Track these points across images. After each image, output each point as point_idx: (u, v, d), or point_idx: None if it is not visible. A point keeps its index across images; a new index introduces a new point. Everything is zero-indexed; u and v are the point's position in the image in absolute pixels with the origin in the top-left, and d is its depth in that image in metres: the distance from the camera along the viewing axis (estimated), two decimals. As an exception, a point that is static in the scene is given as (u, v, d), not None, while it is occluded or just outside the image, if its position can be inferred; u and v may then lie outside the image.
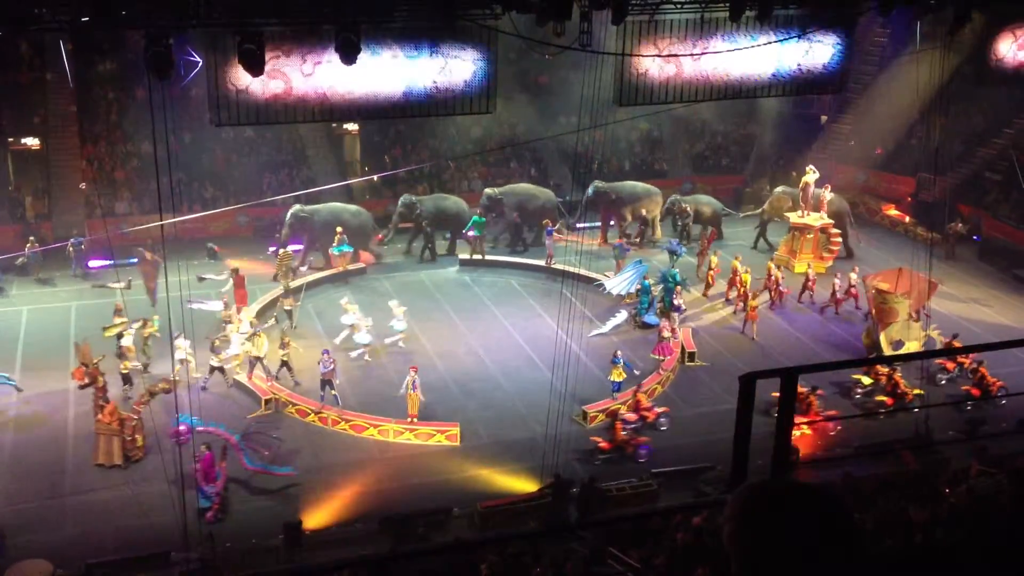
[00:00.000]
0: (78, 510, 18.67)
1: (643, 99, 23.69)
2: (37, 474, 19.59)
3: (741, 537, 2.43)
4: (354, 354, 24.29)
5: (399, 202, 31.02)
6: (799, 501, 2.44)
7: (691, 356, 24.87)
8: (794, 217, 31.62)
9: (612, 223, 32.91)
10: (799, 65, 24.44)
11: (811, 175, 31.23)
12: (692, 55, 23.17)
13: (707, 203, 33.43)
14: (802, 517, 2.41)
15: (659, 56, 22.88)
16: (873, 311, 24.80)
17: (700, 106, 32.41)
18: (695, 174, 38.73)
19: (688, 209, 32.93)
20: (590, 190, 32.10)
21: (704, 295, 28.58)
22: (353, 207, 30.42)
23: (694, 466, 20.13)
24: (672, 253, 29.13)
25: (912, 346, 23.87)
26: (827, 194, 31.21)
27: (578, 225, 30.98)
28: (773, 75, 24.48)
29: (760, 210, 33.43)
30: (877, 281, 25.14)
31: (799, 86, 25.78)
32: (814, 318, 27.53)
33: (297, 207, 29.16)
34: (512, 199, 31.59)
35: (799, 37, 23.79)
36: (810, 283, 28.12)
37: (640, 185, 33.37)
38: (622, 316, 26.46)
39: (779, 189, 33.35)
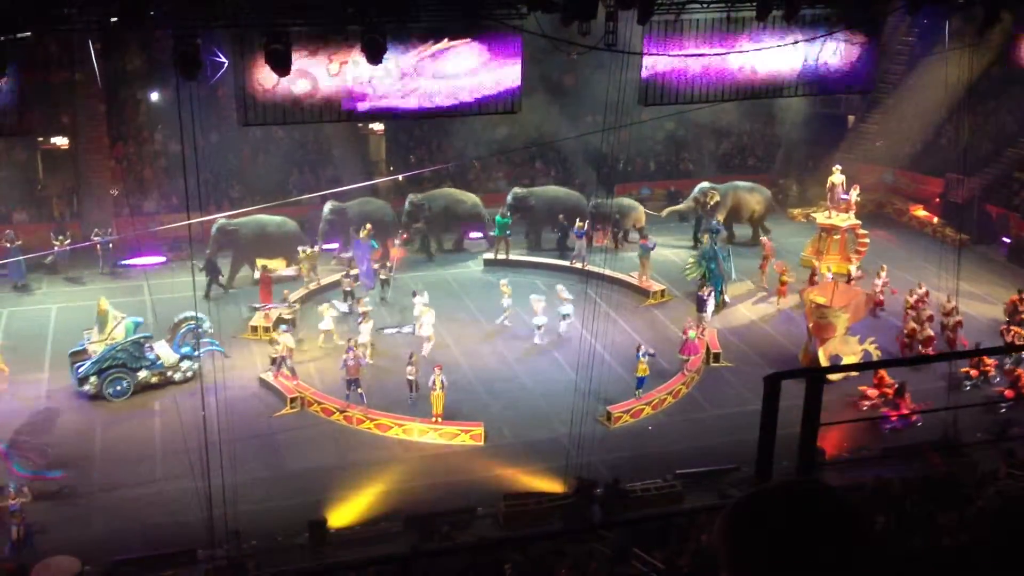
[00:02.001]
0: (105, 507, 18.85)
1: (668, 99, 23.61)
2: (65, 471, 19.73)
3: (730, 547, 2.36)
4: (537, 339, 24.93)
5: (326, 209, 30.08)
6: (796, 504, 2.36)
7: (716, 356, 24.79)
8: (821, 217, 31.49)
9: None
10: (826, 64, 24.29)
11: (837, 175, 31.09)
12: (718, 54, 23.07)
13: (631, 206, 33.07)
14: (801, 519, 2.33)
15: (685, 55, 22.80)
16: (811, 326, 24.00)
17: (726, 106, 32.25)
18: (721, 174, 38.52)
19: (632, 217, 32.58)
20: (509, 197, 31.89)
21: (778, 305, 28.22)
22: (279, 218, 29.43)
23: (718, 467, 20.06)
24: (712, 232, 29.26)
25: (849, 360, 23.18)
26: (854, 195, 31.02)
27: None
28: (800, 75, 24.35)
29: (682, 207, 33.24)
30: (814, 295, 24.40)
31: (826, 86, 25.62)
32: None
33: (223, 221, 28.35)
34: (437, 204, 31.37)
35: (826, 36, 23.66)
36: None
37: (562, 190, 33.08)
38: (711, 304, 26.97)
39: (704, 184, 33.06)
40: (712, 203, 32.27)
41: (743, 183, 33.69)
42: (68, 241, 29.19)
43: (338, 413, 21.92)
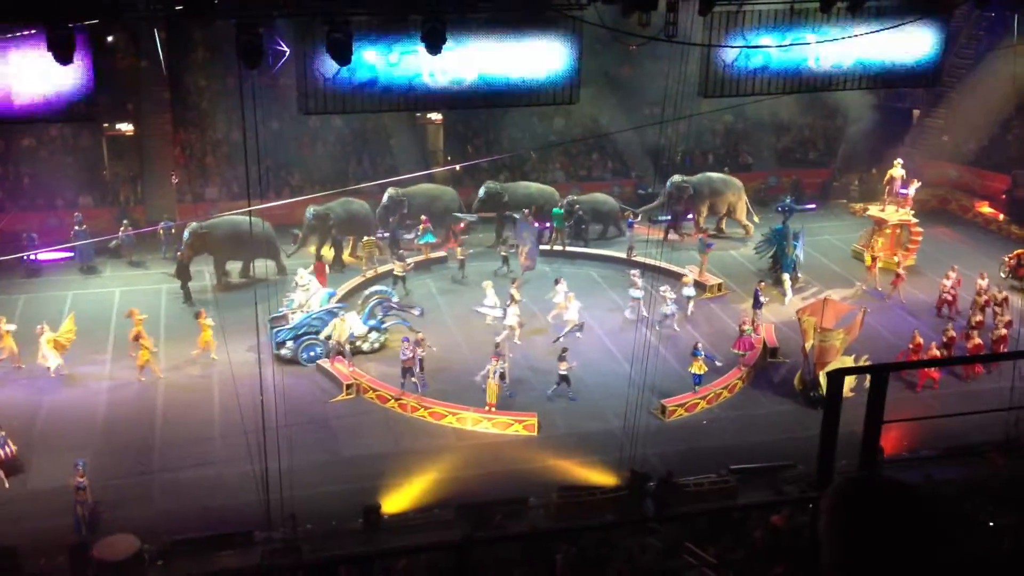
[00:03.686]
0: (165, 487, 19.21)
1: (729, 91, 23.40)
2: (127, 451, 20.18)
3: (838, 529, 2.40)
4: (658, 327, 24.65)
5: (307, 215, 29.49)
6: (899, 498, 2.41)
7: (773, 352, 24.55)
8: (873, 210, 31.15)
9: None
10: (891, 57, 23.91)
11: (898, 168, 30.62)
12: (780, 46, 22.82)
13: (604, 202, 32.55)
14: (901, 514, 2.38)
15: (746, 47, 22.58)
16: (808, 348, 22.62)
17: (787, 98, 31.88)
18: (781, 168, 38.14)
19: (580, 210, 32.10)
20: (482, 191, 31.49)
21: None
22: (253, 219, 29.37)
23: (774, 463, 19.90)
24: (786, 211, 29.38)
25: (847, 381, 22.31)
26: (912, 189, 30.57)
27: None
28: (864, 67, 23.99)
29: (655, 204, 32.75)
30: (807, 316, 22.92)
31: (891, 79, 25.21)
32: (899, 314, 27.01)
33: (195, 224, 27.85)
34: (416, 200, 30.96)
35: (892, 29, 23.28)
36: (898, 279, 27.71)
37: (534, 186, 32.70)
38: (788, 283, 27.99)
39: (675, 178, 32.47)
40: (685, 197, 32.03)
41: (716, 175, 33.37)
42: (130, 227, 29.68)
43: (393, 401, 22.09)
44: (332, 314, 24.10)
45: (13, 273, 28.30)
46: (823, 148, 39.30)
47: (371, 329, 24.43)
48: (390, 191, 30.58)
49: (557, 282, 26.16)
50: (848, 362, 22.11)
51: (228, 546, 17.33)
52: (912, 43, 23.86)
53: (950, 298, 26.67)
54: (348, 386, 22.54)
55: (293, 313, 24.41)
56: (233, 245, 27.99)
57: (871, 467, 3.84)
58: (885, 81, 25.42)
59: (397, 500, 18.84)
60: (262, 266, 26.21)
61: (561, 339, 23.85)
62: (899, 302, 27.01)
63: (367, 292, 25.32)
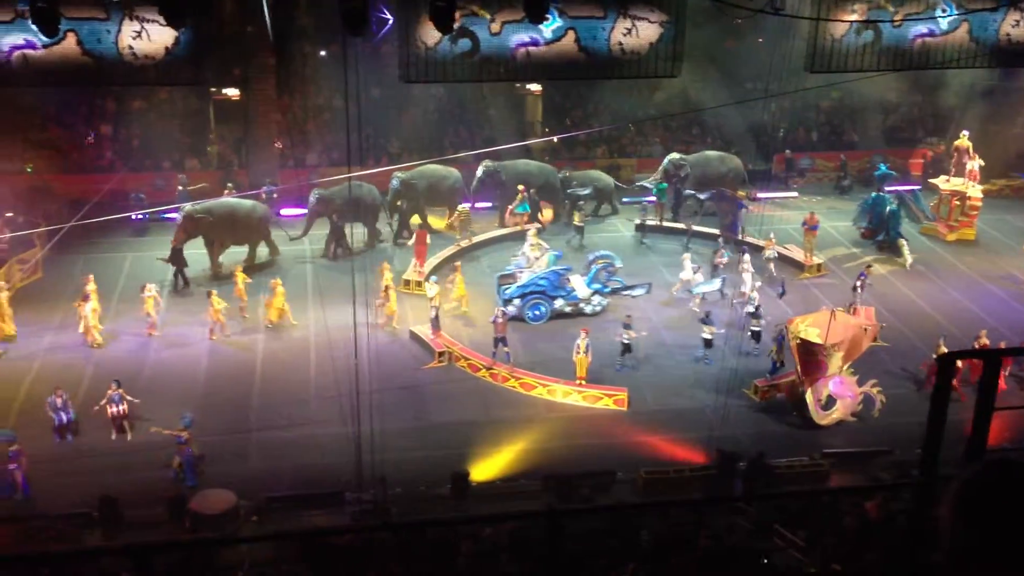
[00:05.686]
0: (261, 446, 19.70)
1: (836, 66, 22.84)
2: (226, 410, 20.72)
3: (973, 514, 2.31)
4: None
5: (311, 198, 28.70)
6: None
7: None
8: (940, 182, 30.70)
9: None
10: (1007, 36, 23.06)
11: (965, 140, 30.38)
12: (892, 21, 22.18)
13: (597, 179, 31.75)
14: None
15: (856, 21, 22.01)
16: (798, 366, 20.61)
17: (896, 76, 30.97)
18: (888, 147, 37.12)
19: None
20: (480, 170, 30.62)
21: None
22: (248, 202, 28.09)
23: (869, 449, 19.50)
24: (882, 178, 29.67)
25: (844, 403, 20.62)
26: (976, 163, 30.14)
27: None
28: (977, 45, 23.19)
29: (651, 180, 31.80)
30: (805, 327, 20.46)
31: (1004, 58, 24.34)
32: (999, 297, 26.20)
33: (189, 208, 27.22)
34: (423, 182, 30.28)
35: (1008, 6, 22.45)
36: None
37: (533, 164, 31.88)
38: (907, 248, 28.45)
39: (673, 156, 31.81)
40: (683, 175, 31.31)
41: (713, 152, 32.50)
42: (234, 190, 30.25)
43: (484, 370, 22.24)
44: (558, 275, 24.77)
45: (122, 232, 29.16)
46: (933, 128, 38.12)
47: (594, 292, 24.91)
48: (398, 175, 29.80)
49: (743, 252, 26.14)
50: (851, 383, 20.87)
51: (320, 506, 17.73)
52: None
53: None
54: (440, 354, 22.76)
55: (521, 272, 25.14)
56: (229, 229, 27.57)
57: (980, 454, 3.74)
58: (999, 60, 24.58)
59: (485, 468, 19.01)
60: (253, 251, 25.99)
61: (781, 297, 24.51)
62: None
63: (591, 256, 25.70)
